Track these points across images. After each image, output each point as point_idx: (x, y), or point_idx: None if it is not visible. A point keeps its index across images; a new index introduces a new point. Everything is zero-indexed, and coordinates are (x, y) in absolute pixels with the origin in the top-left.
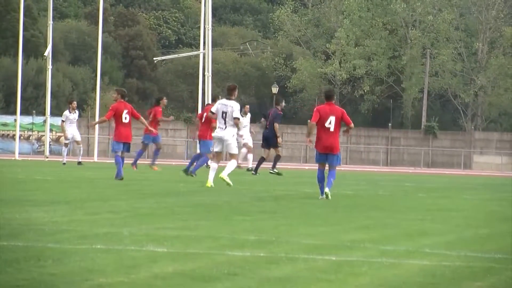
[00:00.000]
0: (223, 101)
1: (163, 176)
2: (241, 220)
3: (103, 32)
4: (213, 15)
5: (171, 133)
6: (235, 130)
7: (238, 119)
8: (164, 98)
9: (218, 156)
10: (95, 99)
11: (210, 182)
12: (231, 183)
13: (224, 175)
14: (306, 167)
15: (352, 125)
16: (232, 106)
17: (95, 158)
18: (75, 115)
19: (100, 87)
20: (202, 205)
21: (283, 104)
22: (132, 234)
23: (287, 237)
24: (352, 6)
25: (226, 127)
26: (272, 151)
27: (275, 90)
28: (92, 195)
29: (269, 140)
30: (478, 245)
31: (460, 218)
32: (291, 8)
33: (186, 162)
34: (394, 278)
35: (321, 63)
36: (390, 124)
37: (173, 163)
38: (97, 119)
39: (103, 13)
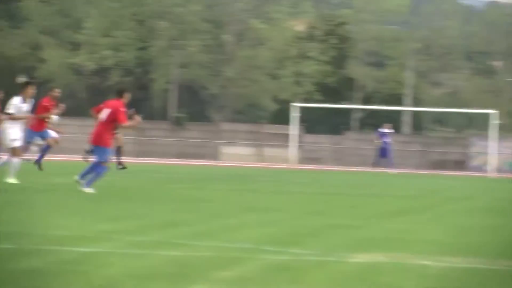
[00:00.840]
0: None
1: None
2: None
3: None
4: None
5: None
6: (11, 124)
7: (7, 114)
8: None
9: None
10: None
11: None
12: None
13: (8, 180)
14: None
15: (125, 123)
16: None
17: None
18: None
19: None
20: None
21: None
22: None
23: (34, 228)
24: None
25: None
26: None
27: (21, 80)
28: None
29: None
30: (227, 235)
31: (211, 209)
32: None
33: None
34: (143, 269)
35: (70, 54)
36: (140, 115)
37: None
38: None
39: None
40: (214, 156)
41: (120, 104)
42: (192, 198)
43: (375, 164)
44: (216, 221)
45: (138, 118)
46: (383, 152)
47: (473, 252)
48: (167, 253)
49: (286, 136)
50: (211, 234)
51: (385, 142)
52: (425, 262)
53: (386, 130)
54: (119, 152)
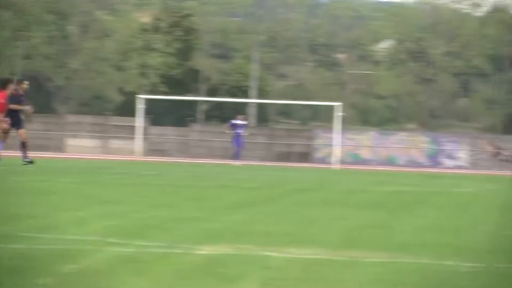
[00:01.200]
0: None
1: None
2: None
3: None
4: None
5: None
6: None
7: None
8: None
9: None
10: None
11: None
12: None
13: None
14: None
15: None
16: None
17: None
18: None
19: None
20: None
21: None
22: None
23: None
24: None
25: None
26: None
27: None
28: None
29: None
30: (73, 227)
31: (56, 201)
32: None
33: None
34: None
35: None
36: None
37: None
38: None
39: None
40: (60, 148)
41: (2, 95)
42: (37, 191)
43: (235, 156)
44: (62, 213)
45: (29, 108)
46: (236, 143)
47: (317, 243)
48: (10, 246)
49: (131, 128)
50: (56, 227)
51: (237, 133)
52: (269, 254)
53: (239, 122)
54: (23, 146)
